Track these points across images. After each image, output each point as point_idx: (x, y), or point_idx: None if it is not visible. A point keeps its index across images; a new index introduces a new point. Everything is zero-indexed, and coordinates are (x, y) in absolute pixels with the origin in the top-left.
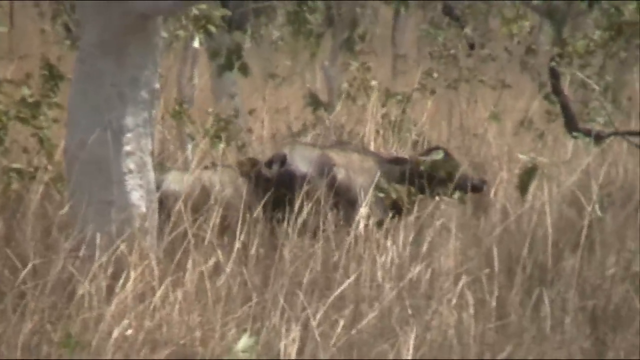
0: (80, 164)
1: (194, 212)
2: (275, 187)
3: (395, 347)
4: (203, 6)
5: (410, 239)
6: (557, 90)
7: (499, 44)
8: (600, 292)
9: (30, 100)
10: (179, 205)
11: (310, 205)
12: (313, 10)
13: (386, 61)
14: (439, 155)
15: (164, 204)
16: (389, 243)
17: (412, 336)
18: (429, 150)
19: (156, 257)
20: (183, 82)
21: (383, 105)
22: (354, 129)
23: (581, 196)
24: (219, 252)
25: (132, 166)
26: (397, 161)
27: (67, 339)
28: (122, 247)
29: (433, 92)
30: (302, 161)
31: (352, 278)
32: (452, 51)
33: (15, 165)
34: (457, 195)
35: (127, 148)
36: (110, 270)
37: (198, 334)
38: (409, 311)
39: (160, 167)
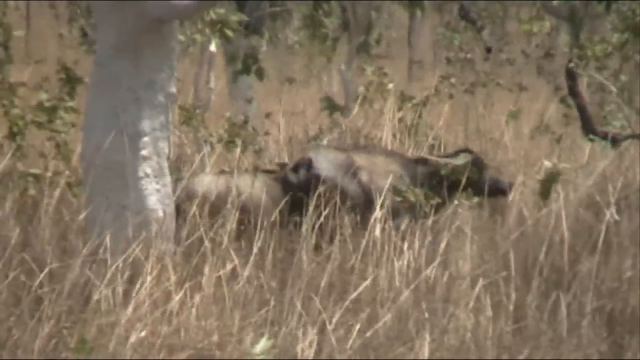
0: (97, 168)
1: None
2: (301, 191)
3: (412, 351)
4: (220, 10)
5: (427, 242)
6: (574, 93)
7: (516, 48)
8: (617, 295)
9: (47, 104)
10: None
11: (326, 208)
12: (329, 13)
13: (402, 65)
14: (465, 159)
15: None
16: (405, 246)
17: (429, 339)
18: (457, 153)
19: (173, 261)
20: (199, 85)
21: (399, 109)
22: (371, 132)
23: (598, 199)
24: (236, 256)
25: (148, 170)
26: (423, 161)
27: (83, 343)
28: (139, 251)
29: (451, 96)
30: (327, 165)
31: (369, 281)
32: (469, 55)
33: (32, 170)
34: (475, 199)
35: (144, 152)
36: (126, 275)
37: (215, 338)
38: (426, 314)
39: (177, 171)
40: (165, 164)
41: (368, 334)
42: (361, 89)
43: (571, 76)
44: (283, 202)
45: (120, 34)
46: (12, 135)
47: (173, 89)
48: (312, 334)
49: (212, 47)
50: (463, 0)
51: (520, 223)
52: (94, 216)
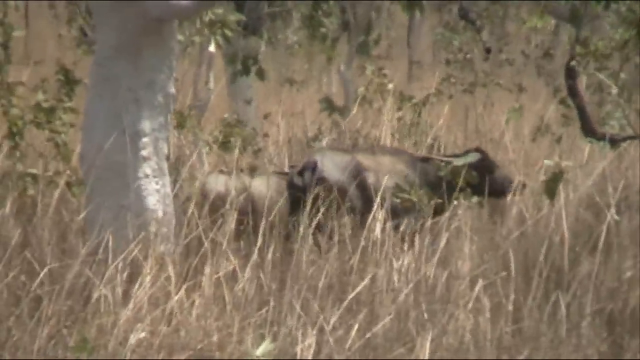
0: (97, 169)
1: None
2: (306, 194)
3: (412, 351)
4: (219, 10)
5: (426, 242)
6: (573, 92)
7: (516, 48)
8: (617, 296)
9: (45, 105)
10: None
11: (325, 209)
12: (328, 14)
13: (401, 65)
14: (473, 158)
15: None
16: (405, 246)
17: (428, 340)
18: (467, 152)
19: (172, 261)
20: (198, 86)
21: (398, 109)
22: (370, 132)
23: (598, 200)
24: (235, 257)
25: (148, 171)
26: (430, 161)
27: (83, 343)
28: (138, 251)
29: (451, 96)
30: (333, 167)
31: (367, 281)
32: (468, 55)
33: (31, 171)
34: (474, 199)
35: (144, 153)
36: (126, 275)
37: (215, 338)
38: (425, 315)
39: (177, 171)
40: (165, 164)
41: (367, 334)
42: (361, 89)
43: (571, 75)
44: (279, 204)
45: (120, 34)
46: (11, 135)
47: (172, 90)
48: (311, 334)
49: (211, 48)
50: (462, 0)
51: (520, 223)
52: (94, 216)
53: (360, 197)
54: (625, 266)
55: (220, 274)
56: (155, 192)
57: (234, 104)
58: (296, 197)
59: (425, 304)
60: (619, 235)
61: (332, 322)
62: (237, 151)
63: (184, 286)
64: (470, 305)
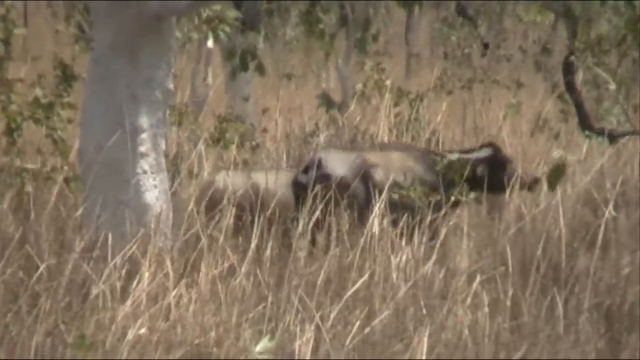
0: (95, 165)
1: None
2: (311, 192)
3: (410, 347)
4: (216, 7)
5: (425, 238)
6: (571, 88)
7: (513, 44)
8: (615, 292)
9: (44, 100)
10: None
11: (323, 205)
12: (326, 10)
13: (399, 61)
14: (486, 153)
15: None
16: (403, 243)
17: (426, 336)
18: (480, 147)
19: (170, 257)
20: (197, 82)
21: (396, 105)
22: (368, 128)
23: (596, 196)
24: (233, 253)
25: (146, 167)
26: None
27: (81, 339)
28: (136, 247)
29: (449, 92)
30: (337, 164)
31: (366, 277)
32: (466, 51)
33: (28, 166)
34: (472, 195)
35: (142, 149)
36: (124, 271)
37: (213, 334)
38: (423, 311)
39: (175, 168)
40: (163, 160)
41: (365, 330)
42: (359, 85)
43: (569, 70)
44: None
45: (118, 31)
46: (9, 131)
47: (171, 86)
48: (309, 330)
49: (210, 44)
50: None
51: (518, 219)
52: (92, 212)
53: (366, 193)
54: (623, 262)
55: (218, 270)
56: (154, 188)
57: (232, 100)
58: (301, 194)
59: (423, 300)
60: (616, 231)
61: (330, 318)
62: (234, 147)
63: (182, 282)
64: (468, 301)
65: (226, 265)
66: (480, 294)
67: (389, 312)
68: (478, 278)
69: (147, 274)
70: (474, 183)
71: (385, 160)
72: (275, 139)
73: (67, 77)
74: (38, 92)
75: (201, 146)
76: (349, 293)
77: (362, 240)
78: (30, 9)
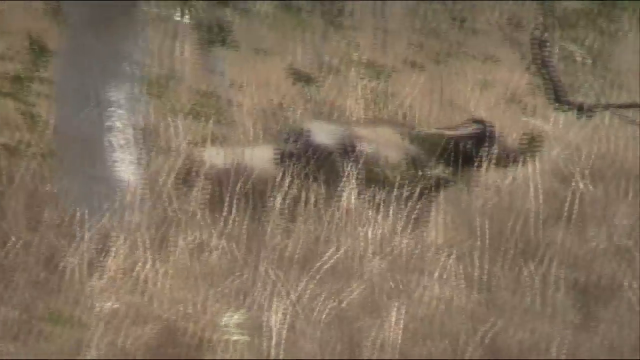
0: (68, 139)
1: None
2: (298, 162)
3: (384, 322)
4: None
5: (399, 212)
6: (544, 62)
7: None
8: (588, 266)
9: (16, 75)
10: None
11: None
12: None
13: (372, 35)
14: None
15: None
16: (379, 217)
17: (401, 311)
18: (469, 122)
19: (143, 231)
20: (173, 56)
21: (369, 79)
22: (342, 103)
23: (570, 170)
24: (207, 227)
25: (119, 141)
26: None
27: (54, 313)
28: (109, 221)
29: (421, 67)
30: (323, 135)
31: (338, 250)
32: (439, 25)
33: (1, 141)
34: (448, 170)
35: (115, 123)
36: (97, 245)
37: (185, 309)
38: (398, 285)
39: (147, 142)
40: (136, 135)
41: (339, 305)
42: (332, 60)
43: (541, 45)
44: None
45: (91, 5)
46: None
47: (143, 60)
48: (282, 304)
49: (185, 19)
50: None
51: (492, 193)
52: (64, 187)
53: (355, 165)
54: (596, 236)
55: (190, 243)
56: (126, 162)
57: (206, 74)
58: (288, 164)
59: (397, 274)
60: (589, 205)
61: (303, 292)
62: (211, 121)
63: (155, 256)
64: (442, 275)
65: (199, 239)
66: (454, 268)
67: (363, 286)
68: (452, 252)
69: (119, 248)
70: (462, 158)
71: (372, 134)
72: (250, 114)
73: (41, 51)
74: (10, 67)
75: (177, 121)
76: (323, 267)
77: (336, 214)
78: None
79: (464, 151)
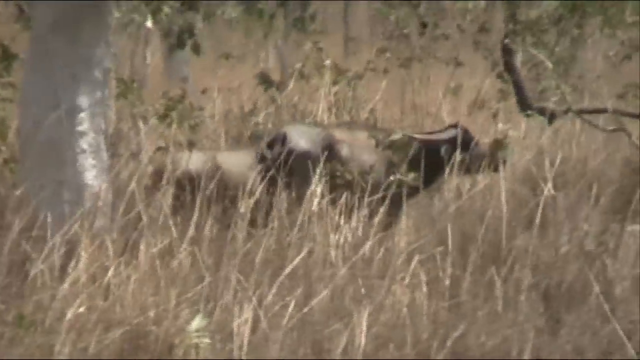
0: (34, 144)
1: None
2: (276, 167)
3: (349, 327)
4: None
5: (363, 216)
6: (510, 68)
7: (452, 23)
8: (553, 271)
9: None
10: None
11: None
12: None
13: (338, 40)
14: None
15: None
16: (342, 222)
17: (365, 315)
18: (447, 128)
19: (110, 237)
20: (136, 61)
21: (335, 84)
22: (306, 107)
23: (535, 175)
24: (173, 232)
25: (85, 146)
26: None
27: (20, 318)
28: (76, 226)
29: (386, 71)
30: (302, 139)
31: (304, 255)
32: (405, 30)
33: None
34: (412, 175)
35: (80, 128)
36: (63, 250)
37: (151, 313)
38: (362, 290)
39: (113, 147)
40: (102, 140)
41: (304, 309)
42: (298, 64)
43: (507, 51)
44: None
45: (57, 10)
46: None
47: (110, 65)
48: (247, 309)
49: (148, 24)
50: None
51: (457, 198)
52: (31, 192)
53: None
54: (562, 241)
55: (156, 248)
56: (92, 167)
57: (171, 79)
58: (266, 169)
59: (362, 279)
60: (555, 210)
61: (268, 297)
62: (174, 126)
63: (121, 261)
64: (407, 280)
65: (165, 243)
66: (419, 273)
67: (328, 291)
68: (417, 257)
69: (86, 254)
70: (438, 164)
71: (351, 138)
72: (213, 118)
73: (7, 56)
74: None
75: (141, 125)
76: (287, 271)
77: (300, 218)
78: None
79: (439, 156)
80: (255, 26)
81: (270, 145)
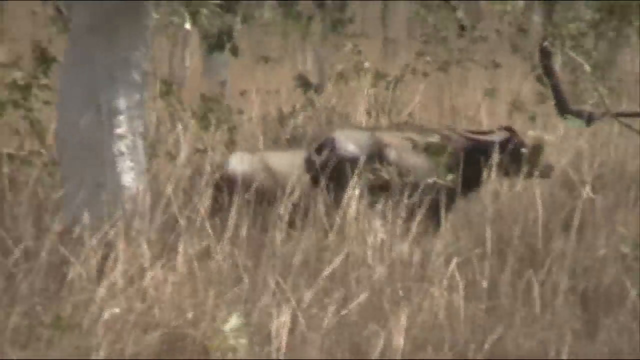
0: (72, 147)
1: (261, 194)
2: (324, 172)
3: (386, 329)
4: None
5: (401, 219)
6: (548, 72)
7: (490, 25)
8: (591, 274)
9: (21, 83)
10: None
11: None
12: None
13: (376, 43)
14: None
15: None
16: (379, 224)
17: (403, 317)
18: (497, 130)
19: (147, 238)
20: (175, 64)
21: (373, 87)
22: (345, 110)
23: (574, 177)
24: (211, 234)
25: (123, 148)
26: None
27: (58, 320)
28: (113, 229)
29: (425, 74)
30: (351, 144)
31: (342, 257)
32: (443, 33)
33: (6, 150)
34: (450, 176)
35: (119, 130)
36: (101, 252)
37: (189, 316)
38: (400, 292)
39: (152, 149)
40: (140, 142)
41: (342, 312)
42: (338, 66)
43: (545, 55)
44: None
45: (95, 12)
46: None
47: (148, 68)
48: (286, 311)
49: (187, 26)
50: None
51: (495, 201)
52: (69, 194)
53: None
54: (599, 244)
55: (194, 251)
56: (130, 169)
57: (209, 81)
58: (315, 174)
59: (400, 282)
60: (593, 213)
61: (306, 299)
62: (212, 128)
63: (159, 263)
64: (444, 282)
65: (203, 245)
66: (457, 275)
67: (366, 293)
68: (455, 260)
69: (123, 256)
70: (490, 166)
71: (399, 141)
72: (251, 121)
73: (45, 58)
74: (17, 74)
75: (180, 127)
76: (325, 274)
77: (344, 221)
78: None
79: (493, 158)
80: (293, 28)
81: (318, 150)
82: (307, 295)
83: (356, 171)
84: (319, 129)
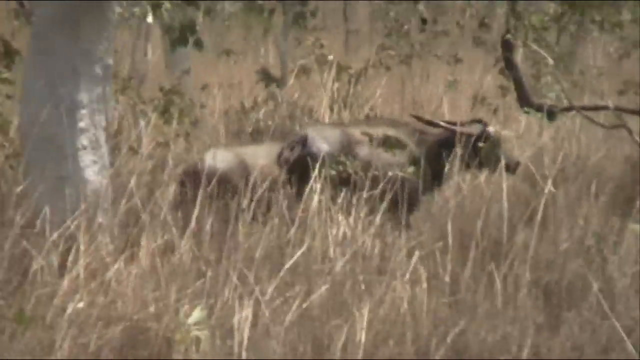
0: (34, 140)
1: (234, 188)
2: (297, 169)
3: (348, 322)
4: None
5: (363, 213)
6: (510, 64)
7: (451, 19)
8: (553, 267)
9: None
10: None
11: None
12: None
13: (338, 36)
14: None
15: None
16: (341, 217)
17: (366, 311)
18: (471, 122)
19: (110, 232)
20: (136, 57)
21: (335, 80)
22: (307, 103)
23: (535, 171)
24: (173, 228)
25: (85, 142)
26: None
27: (21, 314)
28: (76, 222)
29: (388, 68)
30: (322, 141)
31: (304, 250)
32: (405, 27)
33: None
34: (411, 169)
35: (81, 124)
36: (63, 246)
37: (152, 309)
38: (362, 286)
39: (115, 143)
40: (102, 136)
41: (304, 305)
42: (302, 60)
43: (508, 47)
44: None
45: (58, 6)
46: None
47: (110, 61)
48: (248, 305)
49: (149, 19)
50: None
51: (457, 194)
52: (31, 188)
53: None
54: (562, 238)
55: (157, 244)
56: (93, 163)
57: (171, 75)
58: (289, 171)
59: (362, 275)
60: (555, 207)
61: (268, 293)
62: (174, 122)
63: (122, 257)
64: (407, 276)
65: (166, 238)
66: (419, 269)
67: (327, 286)
68: (417, 253)
69: (86, 249)
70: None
71: (371, 137)
72: (214, 115)
73: (7, 52)
74: None
75: (141, 121)
76: (287, 267)
77: (300, 214)
78: None
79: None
80: (255, 22)
81: (291, 147)
82: (269, 289)
83: (318, 165)
84: (281, 123)
